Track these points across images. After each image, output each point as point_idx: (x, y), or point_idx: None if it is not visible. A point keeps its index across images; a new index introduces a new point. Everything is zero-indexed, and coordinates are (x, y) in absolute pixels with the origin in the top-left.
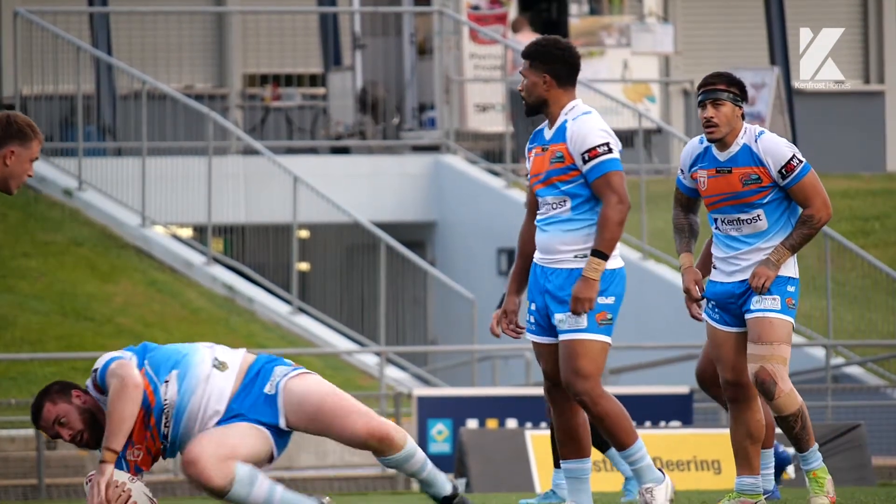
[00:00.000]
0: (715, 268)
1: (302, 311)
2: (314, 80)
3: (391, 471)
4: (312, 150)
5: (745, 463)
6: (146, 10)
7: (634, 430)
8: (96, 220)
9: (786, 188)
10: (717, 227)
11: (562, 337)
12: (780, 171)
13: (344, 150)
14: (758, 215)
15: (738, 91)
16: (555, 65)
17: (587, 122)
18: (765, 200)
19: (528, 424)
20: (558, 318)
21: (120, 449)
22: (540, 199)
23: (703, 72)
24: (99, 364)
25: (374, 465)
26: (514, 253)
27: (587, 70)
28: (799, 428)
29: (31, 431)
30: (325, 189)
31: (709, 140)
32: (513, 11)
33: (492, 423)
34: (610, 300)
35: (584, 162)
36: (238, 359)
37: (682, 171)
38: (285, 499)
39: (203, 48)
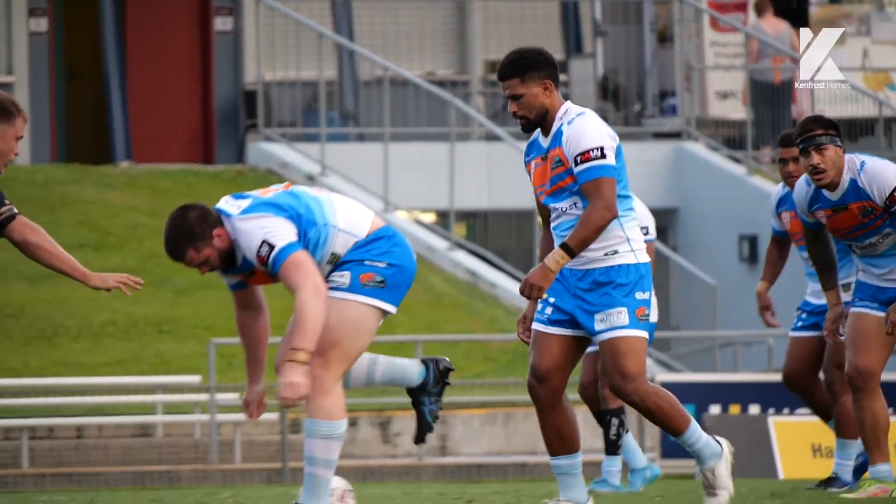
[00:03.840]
0: (863, 271)
1: None
2: None
3: None
4: None
5: (878, 451)
6: None
7: (686, 416)
8: None
9: (893, 214)
10: (853, 251)
11: (603, 337)
12: (884, 202)
13: None
14: (888, 233)
15: (836, 131)
16: (550, 69)
17: (581, 123)
18: (888, 221)
19: (771, 410)
20: (598, 318)
21: (313, 350)
22: (551, 207)
23: None
24: (273, 239)
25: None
26: (755, 240)
27: None
28: None
29: (275, 415)
30: None
31: (818, 186)
32: None
33: (734, 409)
34: (646, 295)
35: (576, 164)
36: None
37: (801, 211)
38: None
39: (444, 35)
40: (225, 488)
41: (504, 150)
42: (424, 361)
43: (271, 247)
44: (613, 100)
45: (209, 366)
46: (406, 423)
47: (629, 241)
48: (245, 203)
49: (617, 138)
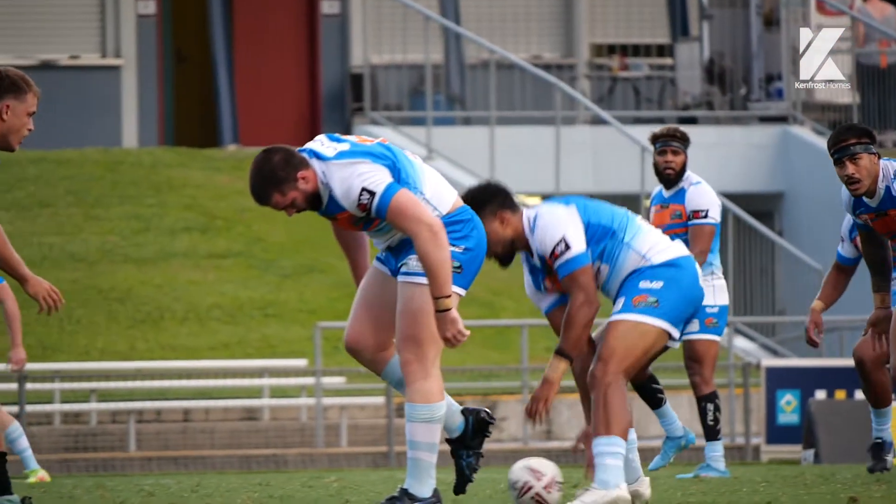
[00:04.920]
0: None
1: None
2: (661, 51)
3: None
4: (659, 121)
5: None
6: None
7: (621, 427)
8: None
9: None
10: None
11: None
12: None
13: (691, 121)
14: None
15: (869, 139)
16: (497, 199)
17: (538, 226)
18: None
19: None
20: None
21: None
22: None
23: None
24: (372, 185)
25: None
26: None
27: None
28: None
29: (380, 399)
30: None
31: (854, 196)
32: None
33: (840, 394)
34: (656, 284)
35: (554, 266)
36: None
37: (850, 214)
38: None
39: (550, 18)
40: (331, 472)
41: (610, 133)
42: (465, 413)
43: (372, 193)
44: (719, 83)
45: (315, 350)
46: (512, 407)
47: (643, 257)
48: (342, 146)
49: (570, 206)
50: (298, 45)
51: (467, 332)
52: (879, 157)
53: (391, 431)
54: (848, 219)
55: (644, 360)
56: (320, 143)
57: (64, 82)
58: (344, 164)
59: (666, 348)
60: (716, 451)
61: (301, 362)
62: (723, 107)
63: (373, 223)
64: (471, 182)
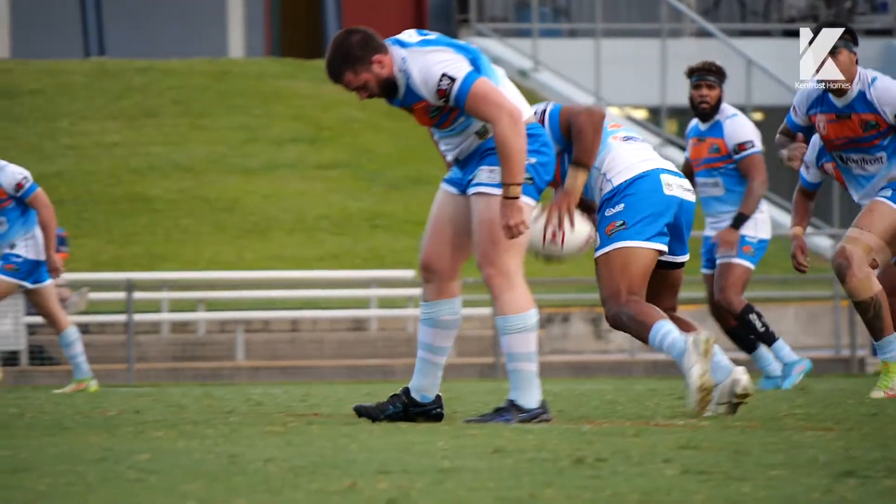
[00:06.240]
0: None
1: None
2: None
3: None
4: (766, 34)
5: None
6: None
7: (653, 317)
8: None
9: None
10: (843, 163)
11: None
12: (895, 116)
13: (796, 34)
14: (881, 157)
15: (851, 37)
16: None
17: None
18: (885, 143)
19: None
20: None
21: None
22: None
23: None
24: (453, 71)
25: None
26: None
27: None
28: (872, 315)
29: (487, 310)
30: (779, 72)
31: (826, 89)
32: None
33: None
34: (618, 208)
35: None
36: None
37: (794, 110)
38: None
39: None
40: None
41: (715, 45)
42: (438, 394)
43: (452, 79)
44: None
45: None
46: None
47: (604, 175)
48: (429, 36)
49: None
50: None
51: (529, 225)
52: (857, 62)
53: (497, 343)
54: (814, 143)
55: (645, 277)
56: (407, 34)
57: None
58: (426, 51)
59: (670, 265)
60: (782, 349)
61: (408, 273)
62: (828, 20)
63: (449, 117)
64: (578, 95)
